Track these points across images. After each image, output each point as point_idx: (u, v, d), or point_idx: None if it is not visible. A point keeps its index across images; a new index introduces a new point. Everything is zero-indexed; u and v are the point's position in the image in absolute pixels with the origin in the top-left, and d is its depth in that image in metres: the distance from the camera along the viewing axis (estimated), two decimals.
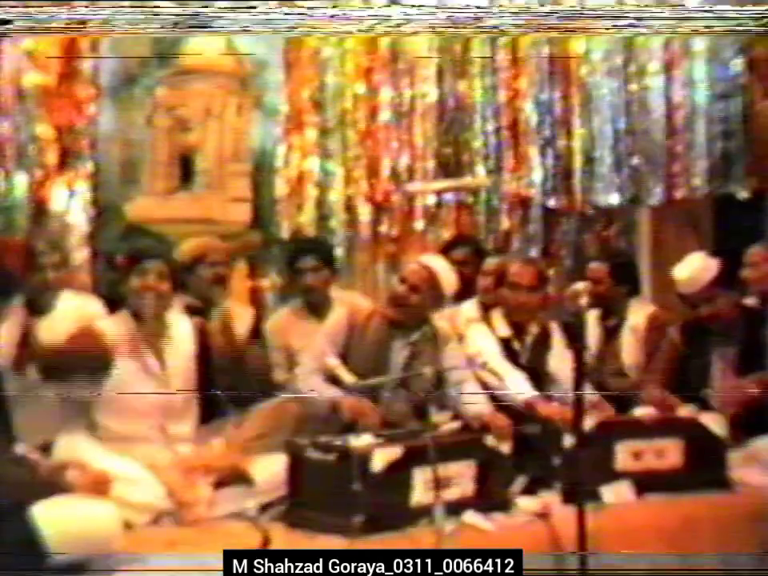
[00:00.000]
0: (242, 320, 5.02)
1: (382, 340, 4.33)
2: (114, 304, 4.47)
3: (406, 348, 4.37)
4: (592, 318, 5.21)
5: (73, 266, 5.66)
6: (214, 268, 4.81)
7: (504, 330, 4.73)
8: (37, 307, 4.35)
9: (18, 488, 3.24)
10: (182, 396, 4.08)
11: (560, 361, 4.59)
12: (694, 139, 6.45)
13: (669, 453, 4.12)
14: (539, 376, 4.66)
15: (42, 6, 4.24)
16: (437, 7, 4.70)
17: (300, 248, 5.30)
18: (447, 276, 4.49)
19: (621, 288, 5.26)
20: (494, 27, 4.43)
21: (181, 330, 4.20)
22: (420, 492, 3.56)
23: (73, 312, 4.43)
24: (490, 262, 5.15)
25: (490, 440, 3.90)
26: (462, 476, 3.71)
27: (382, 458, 3.51)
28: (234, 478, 3.89)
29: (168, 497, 3.75)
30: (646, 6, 4.73)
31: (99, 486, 3.42)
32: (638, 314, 5.26)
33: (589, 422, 3.86)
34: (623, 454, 4.07)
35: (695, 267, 4.70)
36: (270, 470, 3.86)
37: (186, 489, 3.78)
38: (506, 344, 4.70)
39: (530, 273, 4.74)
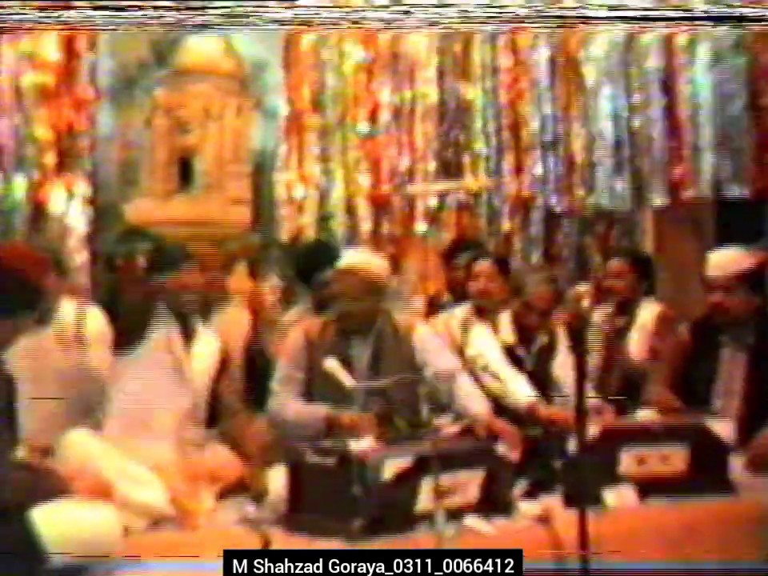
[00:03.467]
0: (240, 324, 5.01)
1: (340, 349, 4.18)
2: (114, 312, 4.46)
3: (367, 350, 4.28)
4: (600, 317, 5.21)
5: (72, 272, 5.65)
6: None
7: (510, 336, 4.69)
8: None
9: (20, 492, 3.23)
10: (200, 401, 4.10)
11: (565, 367, 4.57)
12: (697, 140, 6.44)
13: (673, 458, 4.09)
14: (544, 382, 4.63)
15: (40, 6, 4.23)
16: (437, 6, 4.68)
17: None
18: (372, 266, 4.34)
19: (642, 285, 5.29)
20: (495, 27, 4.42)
21: (208, 336, 4.24)
22: (425, 500, 3.53)
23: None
24: (482, 264, 5.10)
25: (491, 444, 3.88)
26: (468, 485, 3.68)
27: (391, 468, 3.48)
28: (239, 487, 3.87)
29: (171, 502, 3.72)
30: (647, 5, 4.71)
31: (101, 492, 3.41)
32: (647, 312, 5.27)
33: (592, 429, 3.83)
34: (627, 460, 4.04)
35: (729, 255, 4.66)
36: (278, 481, 3.83)
37: (190, 496, 3.75)
38: (510, 350, 4.66)
39: (551, 295, 4.69)
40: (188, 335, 4.17)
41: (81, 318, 4.44)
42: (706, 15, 4.81)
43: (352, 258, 4.40)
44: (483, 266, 5.05)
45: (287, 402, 4.23)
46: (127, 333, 4.09)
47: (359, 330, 4.29)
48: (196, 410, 4.11)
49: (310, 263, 4.94)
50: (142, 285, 4.29)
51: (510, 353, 4.64)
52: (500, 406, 4.39)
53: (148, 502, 3.68)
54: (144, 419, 3.98)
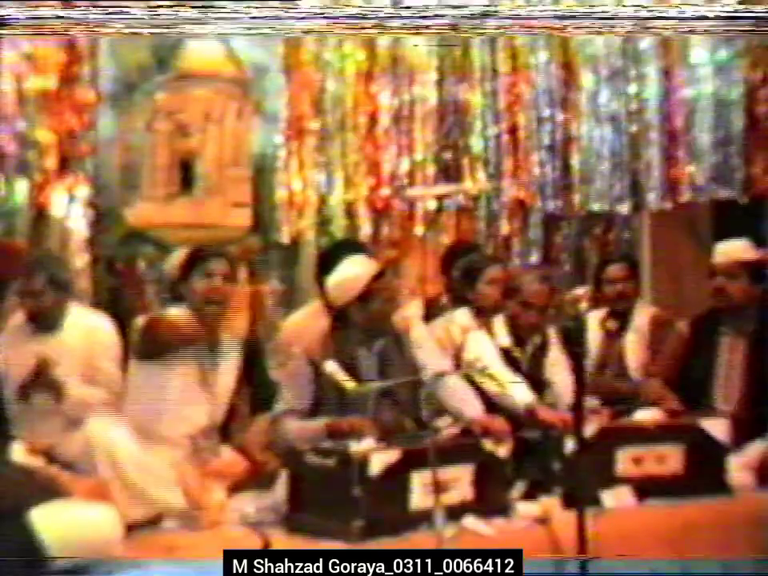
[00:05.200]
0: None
1: (345, 354, 4.16)
2: (118, 317, 4.47)
3: (374, 358, 4.27)
4: (593, 320, 5.24)
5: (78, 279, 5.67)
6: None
7: (505, 339, 4.71)
8: (43, 325, 4.33)
9: (17, 493, 3.24)
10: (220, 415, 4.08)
11: (557, 368, 4.60)
12: (694, 143, 6.45)
13: (669, 458, 4.11)
14: (539, 384, 4.65)
15: (40, 7, 4.24)
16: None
17: None
18: (369, 274, 4.29)
19: (639, 288, 5.42)
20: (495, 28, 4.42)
21: (232, 349, 4.22)
22: (419, 497, 3.54)
23: (82, 330, 4.41)
24: (493, 270, 5.11)
25: (489, 444, 3.89)
26: (461, 481, 3.69)
27: (379, 462, 3.50)
28: (247, 483, 3.88)
29: (184, 497, 3.74)
30: (645, 6, 4.73)
31: (99, 494, 3.43)
32: (642, 315, 5.33)
33: (589, 429, 3.85)
34: (624, 460, 4.06)
35: (735, 245, 4.85)
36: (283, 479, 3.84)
37: (202, 492, 3.76)
38: (506, 353, 4.68)
39: (547, 292, 4.71)
40: (213, 347, 4.14)
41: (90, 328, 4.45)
42: (704, 17, 4.82)
43: (349, 268, 4.36)
44: (497, 272, 5.05)
45: (286, 423, 4.22)
46: (155, 342, 4.07)
47: (366, 338, 4.28)
48: (214, 424, 4.11)
49: (333, 261, 4.89)
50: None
51: (506, 355, 4.65)
52: (497, 408, 4.41)
53: (160, 494, 3.69)
54: (156, 429, 3.98)
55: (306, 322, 5.03)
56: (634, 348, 5.29)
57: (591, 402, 4.52)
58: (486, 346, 4.69)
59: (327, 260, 4.95)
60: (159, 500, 3.69)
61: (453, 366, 4.48)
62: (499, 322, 4.75)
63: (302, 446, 3.94)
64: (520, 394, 4.50)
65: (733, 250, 4.81)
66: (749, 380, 4.61)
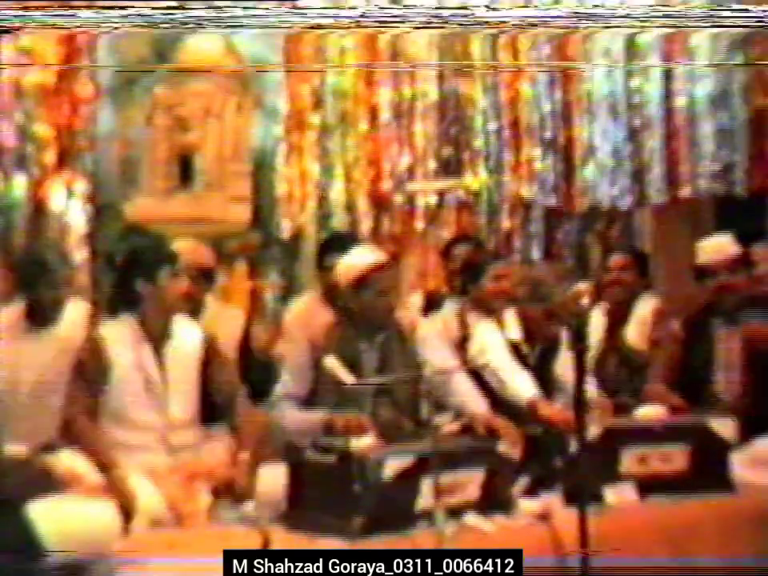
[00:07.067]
0: (234, 323, 5.01)
1: (347, 348, 4.15)
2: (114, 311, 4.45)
3: (374, 351, 4.26)
4: (597, 312, 5.26)
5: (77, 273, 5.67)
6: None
7: (515, 333, 4.68)
8: (39, 321, 4.30)
9: (16, 487, 3.23)
10: (182, 408, 4.02)
11: (566, 366, 4.57)
12: (696, 138, 6.44)
13: (674, 457, 4.09)
14: (547, 380, 4.62)
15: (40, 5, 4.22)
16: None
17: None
18: (374, 264, 4.29)
19: (642, 280, 5.44)
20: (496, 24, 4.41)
21: (186, 337, 4.13)
22: (423, 497, 3.52)
23: (79, 325, 4.40)
24: (498, 267, 5.08)
25: (492, 443, 3.88)
26: (470, 483, 3.67)
27: (392, 468, 3.47)
28: (233, 487, 3.85)
29: (167, 507, 3.70)
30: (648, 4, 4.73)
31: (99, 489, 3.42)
32: (645, 306, 5.37)
33: (594, 429, 3.84)
34: (628, 460, 4.03)
35: (720, 241, 4.87)
36: (271, 482, 3.80)
37: (186, 499, 3.73)
38: (516, 347, 4.65)
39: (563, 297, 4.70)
40: (161, 338, 4.07)
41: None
42: (706, 15, 4.81)
43: (353, 257, 4.35)
44: (502, 268, 5.03)
45: (284, 412, 4.20)
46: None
47: (367, 330, 4.27)
48: (180, 418, 4.01)
49: (330, 253, 4.88)
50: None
51: (515, 350, 4.62)
52: (500, 403, 4.39)
53: (145, 509, 3.66)
54: (129, 434, 3.96)
55: (306, 310, 5.03)
56: (635, 338, 5.30)
57: (596, 398, 4.52)
58: (491, 337, 4.66)
59: (328, 249, 4.95)
60: (145, 514, 3.65)
61: (456, 361, 4.46)
62: (511, 316, 4.71)
63: (298, 438, 3.93)
64: (524, 387, 4.47)
65: (724, 246, 4.81)
66: (749, 370, 4.62)
